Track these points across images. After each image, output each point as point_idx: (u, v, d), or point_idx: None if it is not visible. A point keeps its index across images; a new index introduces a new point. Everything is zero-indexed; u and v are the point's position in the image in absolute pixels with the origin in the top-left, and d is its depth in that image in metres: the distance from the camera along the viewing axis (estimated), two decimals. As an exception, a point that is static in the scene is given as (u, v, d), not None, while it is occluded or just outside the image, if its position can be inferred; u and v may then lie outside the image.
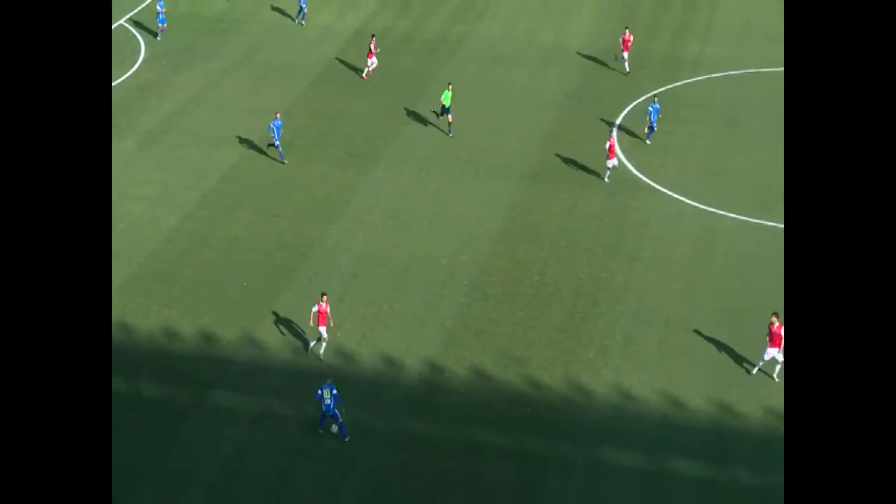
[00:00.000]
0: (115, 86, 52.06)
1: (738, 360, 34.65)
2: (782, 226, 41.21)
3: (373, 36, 53.86)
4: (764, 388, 33.52)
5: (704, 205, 42.54)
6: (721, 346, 35.23)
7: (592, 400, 33.26)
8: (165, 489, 30.32)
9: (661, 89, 51.35)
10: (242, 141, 47.83)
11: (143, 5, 61.16)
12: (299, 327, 36.31)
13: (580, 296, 37.74)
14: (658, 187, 43.51)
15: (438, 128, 48.60)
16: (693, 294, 37.74)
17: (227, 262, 39.83)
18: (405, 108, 50.40)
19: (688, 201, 42.56)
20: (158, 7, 56.36)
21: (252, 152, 46.96)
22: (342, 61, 55.17)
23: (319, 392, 31.30)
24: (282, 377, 34.18)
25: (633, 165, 45.23)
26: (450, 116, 47.38)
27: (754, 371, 33.94)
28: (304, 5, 59.01)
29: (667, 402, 33.09)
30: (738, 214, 42.00)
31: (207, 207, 43.17)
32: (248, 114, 50.09)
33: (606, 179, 43.69)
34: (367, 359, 34.98)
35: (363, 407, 33.03)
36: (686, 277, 38.61)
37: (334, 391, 31.26)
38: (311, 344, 35.04)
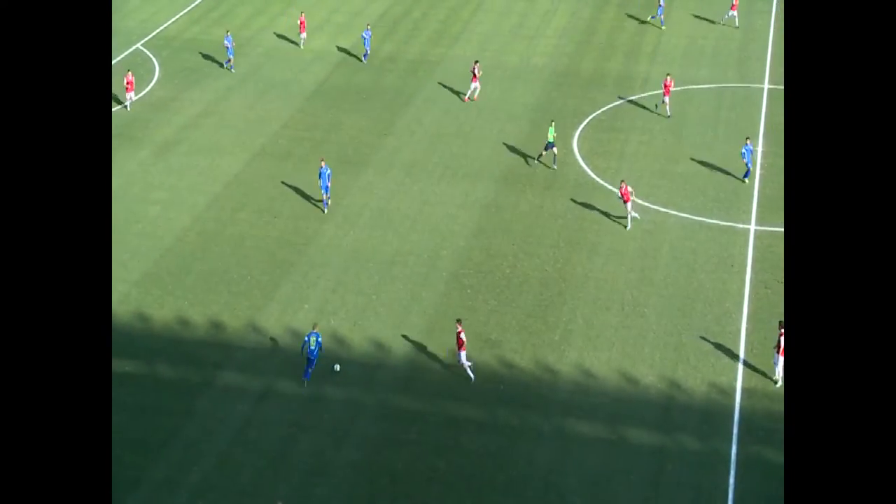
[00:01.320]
0: (133, 102, 51.54)
1: (684, 340, 34.63)
2: (720, 223, 41.29)
3: (476, 62, 52.40)
4: (706, 366, 33.54)
5: (653, 204, 42.49)
6: (669, 329, 35.20)
7: (558, 377, 33.19)
8: (180, 457, 30.18)
9: (615, 103, 51.31)
10: (246, 150, 47.47)
11: (157, 32, 60.63)
12: (298, 315, 36.07)
13: (546, 285, 37.64)
14: (613, 189, 43.41)
15: (419, 138, 48.39)
16: (644, 283, 37.70)
17: (233, 257, 39.54)
18: (390, 121, 50.13)
19: (639, 201, 42.45)
20: (227, 42, 55.33)
21: (255, 160, 46.60)
22: (334, 80, 54.83)
23: (307, 338, 32.03)
24: (282, 359, 33.95)
25: (591, 170, 45.13)
26: (554, 149, 44.78)
27: (778, 385, 32.24)
28: (367, 47, 56.34)
29: (622, 379, 33.05)
30: (681, 213, 41.99)
31: (215, 209, 42.83)
32: (252, 126, 49.73)
33: (634, 218, 40.71)
34: (359, 342, 34.80)
35: (355, 385, 32.89)
36: (638, 268, 38.57)
37: (319, 339, 32.10)
38: (462, 363, 32.84)
